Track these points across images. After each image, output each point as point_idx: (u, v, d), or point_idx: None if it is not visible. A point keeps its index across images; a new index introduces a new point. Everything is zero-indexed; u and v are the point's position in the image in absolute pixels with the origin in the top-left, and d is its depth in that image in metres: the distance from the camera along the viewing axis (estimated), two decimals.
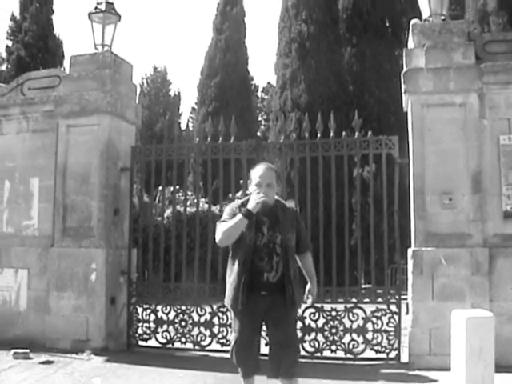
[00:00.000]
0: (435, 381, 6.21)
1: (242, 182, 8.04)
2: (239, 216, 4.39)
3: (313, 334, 7.43)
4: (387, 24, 23.76)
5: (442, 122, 7.00)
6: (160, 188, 11.37)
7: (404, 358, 7.02)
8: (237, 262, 4.53)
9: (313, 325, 7.45)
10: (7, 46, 25.36)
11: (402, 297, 7.23)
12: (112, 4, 8.63)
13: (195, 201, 8.87)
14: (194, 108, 33.04)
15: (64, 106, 8.18)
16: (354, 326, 7.33)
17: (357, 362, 7.22)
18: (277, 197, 4.73)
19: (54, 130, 8.27)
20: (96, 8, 8.57)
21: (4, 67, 25.27)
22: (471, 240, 6.78)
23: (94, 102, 8.04)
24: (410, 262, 6.85)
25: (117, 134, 8.22)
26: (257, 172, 4.63)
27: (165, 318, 7.99)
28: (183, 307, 7.92)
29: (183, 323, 7.88)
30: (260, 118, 41.53)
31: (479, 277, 6.65)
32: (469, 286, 6.64)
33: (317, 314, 7.44)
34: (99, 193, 7.94)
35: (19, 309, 8.19)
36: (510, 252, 6.74)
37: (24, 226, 8.38)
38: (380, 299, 7.40)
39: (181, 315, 7.90)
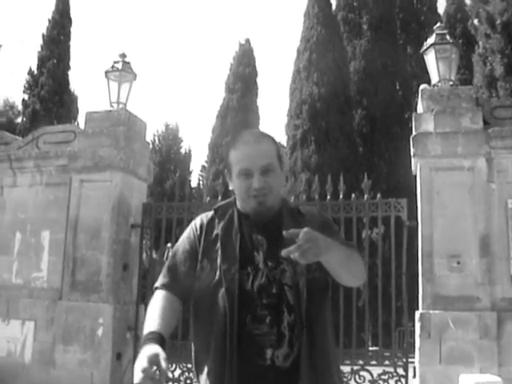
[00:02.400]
0: None
1: None
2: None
3: None
4: (397, 87, 24.17)
5: (451, 186, 7.06)
6: (169, 245, 11.40)
7: None
8: (208, 332, 2.30)
9: None
10: (23, 100, 25.86)
11: (410, 360, 7.18)
12: (128, 63, 8.83)
13: None
14: (204, 166, 33.19)
15: (78, 161, 8.31)
16: None
17: None
18: (284, 195, 2.74)
19: (66, 184, 8.37)
20: (113, 66, 8.77)
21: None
22: (479, 303, 6.75)
23: (108, 159, 8.17)
24: (418, 325, 6.81)
25: (129, 190, 8.32)
26: (238, 148, 2.44)
27: (170, 375, 7.91)
28: (189, 365, 7.85)
29: (188, 381, 7.80)
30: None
31: (487, 341, 6.60)
32: (477, 350, 6.58)
33: None
34: (109, 248, 7.98)
35: (24, 360, 8.14)
36: None
37: (33, 277, 8.41)
38: (387, 362, 7.34)
39: (186, 373, 7.84)
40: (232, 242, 2.38)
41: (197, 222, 2.54)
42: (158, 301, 2.40)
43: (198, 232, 2.48)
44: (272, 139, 2.49)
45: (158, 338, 2.21)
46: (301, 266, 2.23)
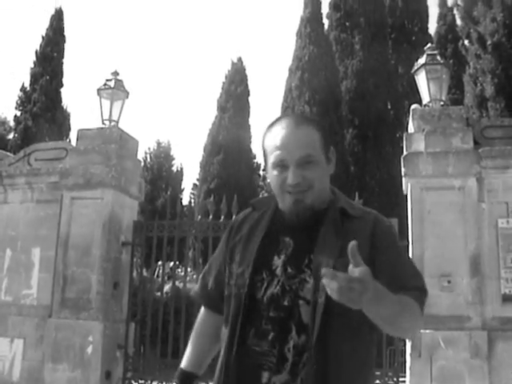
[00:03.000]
0: None
1: None
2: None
3: None
4: (389, 107, 24.25)
5: (441, 205, 7.08)
6: (160, 263, 11.37)
7: None
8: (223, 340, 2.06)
9: None
10: (15, 116, 25.84)
11: (401, 379, 7.16)
12: (121, 81, 8.84)
13: (194, 277, 8.87)
14: (195, 184, 33.16)
15: (69, 178, 8.29)
16: None
17: None
18: (333, 189, 2.23)
19: (57, 202, 8.34)
20: (105, 84, 8.78)
21: None
22: (470, 323, 6.75)
23: (99, 176, 8.15)
24: (409, 344, 6.80)
25: (120, 208, 8.30)
26: (274, 132, 2.07)
27: None
28: None
29: None
30: (261, 196, 41.51)
31: (478, 360, 6.59)
32: (468, 370, 6.57)
33: None
34: (99, 265, 7.94)
35: (12, 379, 8.06)
36: (509, 336, 6.70)
37: (23, 295, 8.35)
38: (378, 381, 7.29)
39: None
40: (253, 242, 2.07)
41: (231, 222, 2.30)
42: (196, 326, 2.39)
43: (228, 234, 2.23)
44: (316, 124, 2.14)
45: (183, 378, 2.26)
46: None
